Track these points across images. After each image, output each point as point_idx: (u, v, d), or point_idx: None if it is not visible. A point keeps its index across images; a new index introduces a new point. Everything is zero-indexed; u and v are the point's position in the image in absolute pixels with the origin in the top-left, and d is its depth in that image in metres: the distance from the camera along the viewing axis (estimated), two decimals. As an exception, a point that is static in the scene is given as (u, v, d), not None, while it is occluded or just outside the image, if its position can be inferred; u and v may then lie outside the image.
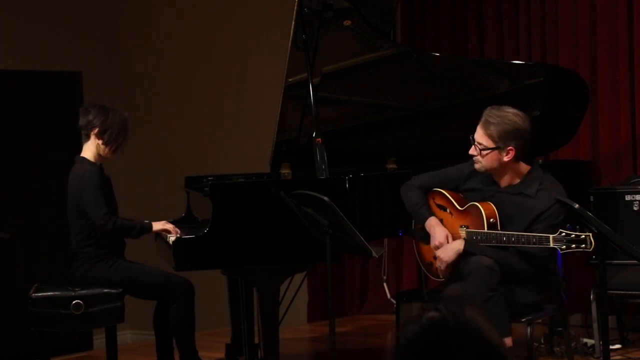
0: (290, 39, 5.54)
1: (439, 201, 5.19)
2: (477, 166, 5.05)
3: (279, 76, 5.78)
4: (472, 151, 5.01)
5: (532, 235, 4.75)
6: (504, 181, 5.07)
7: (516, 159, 5.00)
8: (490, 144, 4.96)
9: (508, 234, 4.84)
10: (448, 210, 5.14)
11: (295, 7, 5.51)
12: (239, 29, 8.64)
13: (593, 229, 4.38)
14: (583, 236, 4.54)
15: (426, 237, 5.11)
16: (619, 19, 6.71)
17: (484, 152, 4.97)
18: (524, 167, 5.06)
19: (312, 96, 5.49)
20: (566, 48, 6.93)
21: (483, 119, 5.00)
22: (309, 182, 5.31)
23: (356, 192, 5.33)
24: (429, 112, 6.16)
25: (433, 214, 5.13)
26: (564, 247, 4.60)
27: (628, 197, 5.92)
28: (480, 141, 4.98)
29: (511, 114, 4.97)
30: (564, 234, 4.59)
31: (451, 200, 5.13)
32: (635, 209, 5.89)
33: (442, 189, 5.19)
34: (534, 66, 6.35)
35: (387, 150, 6.20)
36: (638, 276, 5.85)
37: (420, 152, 6.20)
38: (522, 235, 4.79)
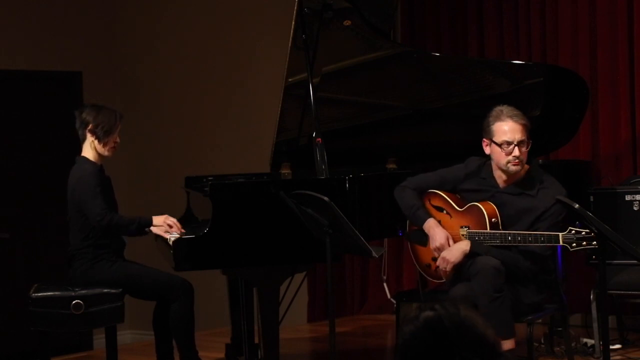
0: (290, 39, 5.54)
1: (436, 202, 5.18)
2: (516, 168, 4.98)
3: (279, 76, 5.78)
4: (516, 153, 4.95)
5: (540, 234, 4.76)
6: (505, 182, 5.06)
7: None
8: (526, 138, 4.98)
9: (513, 234, 4.83)
10: (446, 212, 5.13)
11: (295, 7, 5.51)
12: (239, 29, 8.64)
13: (593, 228, 4.38)
14: (593, 234, 4.54)
15: (423, 239, 5.09)
16: (619, 19, 6.71)
17: (524, 146, 4.97)
18: (524, 167, 5.07)
19: (312, 96, 5.49)
20: (566, 48, 6.93)
21: (514, 118, 4.97)
22: (309, 182, 5.31)
23: (356, 192, 5.33)
24: (429, 112, 6.16)
25: (431, 216, 5.12)
26: (574, 244, 4.59)
27: (628, 197, 5.92)
28: (521, 138, 4.96)
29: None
30: (573, 231, 4.60)
31: (449, 202, 5.12)
32: (635, 209, 5.89)
33: (439, 190, 5.18)
34: (534, 66, 6.34)
35: (387, 150, 6.19)
36: (638, 276, 5.85)
37: (420, 152, 6.20)
38: (529, 234, 4.80)
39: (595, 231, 4.37)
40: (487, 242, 4.90)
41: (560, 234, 4.65)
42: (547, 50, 7.02)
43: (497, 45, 7.25)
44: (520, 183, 5.04)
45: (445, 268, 4.98)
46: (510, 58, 7.06)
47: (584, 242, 4.58)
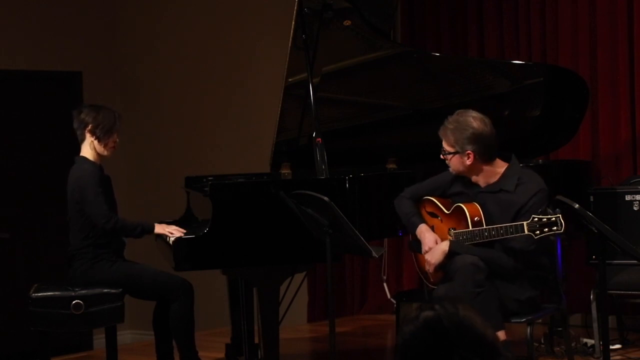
0: (290, 39, 5.54)
1: (430, 209, 5.25)
2: (450, 169, 5.16)
3: (279, 76, 5.79)
4: (442, 156, 5.12)
5: (509, 226, 4.84)
6: (482, 181, 5.14)
7: (480, 161, 5.06)
8: (450, 149, 5.08)
9: (489, 229, 4.93)
10: (438, 217, 5.19)
11: (295, 7, 5.52)
12: (239, 29, 8.64)
13: (593, 228, 4.38)
14: (554, 218, 4.62)
15: (420, 246, 5.14)
16: (619, 19, 6.71)
17: (447, 157, 5.09)
18: (501, 165, 5.14)
19: (312, 96, 5.49)
20: (566, 48, 6.93)
21: (443, 125, 5.10)
22: (309, 182, 5.31)
23: (356, 192, 5.33)
24: (429, 112, 6.15)
25: (424, 222, 5.18)
26: (538, 232, 4.67)
27: (628, 197, 5.93)
28: (443, 146, 5.12)
29: (470, 119, 5.06)
30: (536, 219, 4.66)
31: (439, 206, 5.20)
32: (635, 209, 5.89)
33: (432, 197, 5.23)
34: (534, 66, 6.35)
35: (387, 150, 6.20)
36: (638, 276, 5.85)
37: (420, 152, 6.19)
38: (500, 227, 4.88)
39: (595, 231, 4.37)
40: (470, 241, 4.96)
41: (525, 222, 4.73)
42: (547, 50, 7.02)
43: (497, 45, 7.26)
44: (499, 181, 5.11)
45: (429, 269, 5.05)
46: (510, 58, 7.06)
47: (546, 229, 4.64)
